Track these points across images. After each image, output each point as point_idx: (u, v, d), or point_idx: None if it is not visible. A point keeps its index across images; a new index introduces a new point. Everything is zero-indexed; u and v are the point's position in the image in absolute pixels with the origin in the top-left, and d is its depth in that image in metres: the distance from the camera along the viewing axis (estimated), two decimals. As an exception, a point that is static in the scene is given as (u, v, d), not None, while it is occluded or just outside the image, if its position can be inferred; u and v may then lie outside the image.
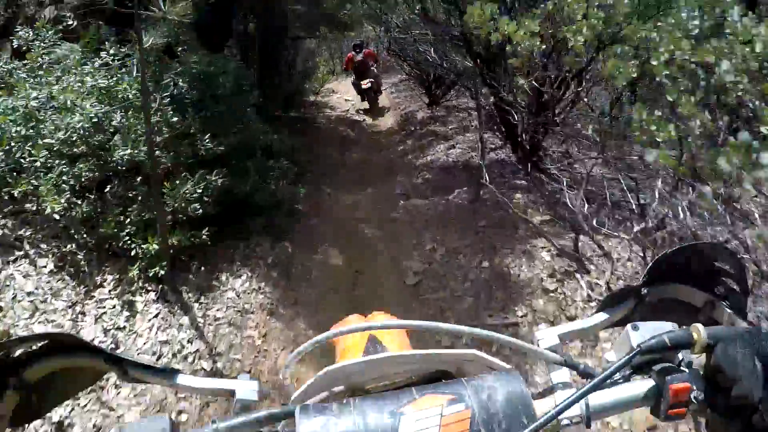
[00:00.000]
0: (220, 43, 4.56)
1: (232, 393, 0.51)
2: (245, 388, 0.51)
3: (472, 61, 3.81)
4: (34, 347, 0.53)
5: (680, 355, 0.48)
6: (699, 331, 0.44)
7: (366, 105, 8.22)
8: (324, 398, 0.50)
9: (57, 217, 2.39)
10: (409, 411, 0.42)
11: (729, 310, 0.55)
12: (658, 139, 1.56)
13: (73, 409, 1.95)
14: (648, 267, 0.55)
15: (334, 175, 4.99)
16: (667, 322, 0.50)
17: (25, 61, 2.82)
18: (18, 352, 0.52)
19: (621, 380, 0.49)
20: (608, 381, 0.46)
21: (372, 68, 7.83)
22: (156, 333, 2.32)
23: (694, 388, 0.44)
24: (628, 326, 0.50)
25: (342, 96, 9.25)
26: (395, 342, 1.02)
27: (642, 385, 0.48)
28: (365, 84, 7.69)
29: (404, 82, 9.10)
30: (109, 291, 2.42)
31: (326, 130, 6.85)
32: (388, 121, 7.65)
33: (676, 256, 0.55)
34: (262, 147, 3.50)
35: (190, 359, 2.27)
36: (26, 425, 1.66)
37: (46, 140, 2.42)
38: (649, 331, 0.48)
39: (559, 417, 0.42)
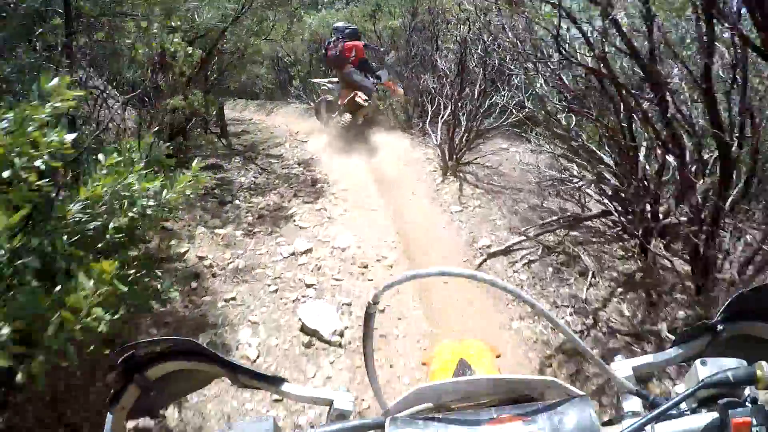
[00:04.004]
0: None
1: (330, 402, 0.57)
2: (342, 399, 0.57)
3: None
4: (158, 349, 0.58)
5: (748, 391, 0.50)
6: (763, 369, 0.47)
7: (333, 130, 5.23)
8: (413, 413, 0.54)
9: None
10: (488, 429, 0.48)
11: None
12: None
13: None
14: (725, 304, 0.56)
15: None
16: (738, 359, 0.52)
17: None
18: (143, 353, 0.57)
19: (688, 412, 0.52)
20: (674, 412, 0.50)
21: (353, 72, 5.01)
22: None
23: (755, 422, 0.46)
24: (697, 361, 0.53)
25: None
26: (484, 367, 1.05)
27: (706, 417, 0.50)
28: (362, 99, 4.83)
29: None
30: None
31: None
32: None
33: (754, 294, 0.57)
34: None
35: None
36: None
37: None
38: (716, 367, 0.51)
39: None
